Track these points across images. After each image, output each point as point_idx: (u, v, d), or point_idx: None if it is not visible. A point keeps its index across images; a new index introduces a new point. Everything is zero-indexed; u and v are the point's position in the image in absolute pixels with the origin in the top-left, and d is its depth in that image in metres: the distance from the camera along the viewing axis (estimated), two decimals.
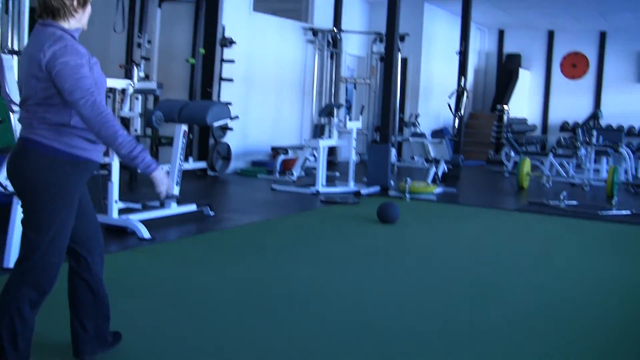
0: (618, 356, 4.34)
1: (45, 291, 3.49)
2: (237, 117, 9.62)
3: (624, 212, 10.23)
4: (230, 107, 11.79)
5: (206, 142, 12.51)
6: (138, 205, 7.80)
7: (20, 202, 3.55)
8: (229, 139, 12.68)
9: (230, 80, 12.54)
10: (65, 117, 3.39)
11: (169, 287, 5.39)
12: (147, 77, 11.47)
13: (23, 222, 3.50)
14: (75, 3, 3.43)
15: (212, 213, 8.42)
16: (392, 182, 11.76)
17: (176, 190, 8.04)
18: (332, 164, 15.10)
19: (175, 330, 4.39)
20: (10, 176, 3.50)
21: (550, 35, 21.29)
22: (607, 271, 6.67)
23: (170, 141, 8.23)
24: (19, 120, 3.53)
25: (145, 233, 7.02)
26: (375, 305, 5.17)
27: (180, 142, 8.05)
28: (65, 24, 3.43)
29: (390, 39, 11.84)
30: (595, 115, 15.09)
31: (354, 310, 4.99)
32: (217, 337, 4.30)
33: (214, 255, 6.55)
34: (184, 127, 8.07)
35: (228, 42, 12.43)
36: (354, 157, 11.47)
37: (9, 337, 3.40)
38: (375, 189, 11.26)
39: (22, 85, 3.47)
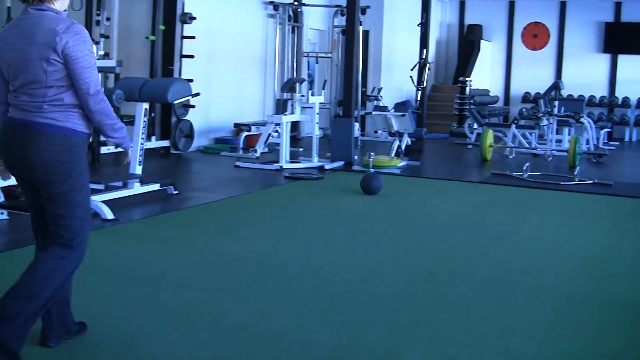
0: (573, 322, 4.40)
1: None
2: (198, 94, 9.54)
3: (586, 181, 10.33)
4: (191, 84, 11.77)
5: (168, 120, 12.40)
6: (100, 186, 7.74)
7: (48, 195, 3.52)
8: (192, 116, 12.60)
9: (191, 56, 12.43)
10: (76, 99, 3.47)
11: (134, 267, 5.37)
12: (106, 55, 11.34)
13: (48, 205, 3.53)
14: None
15: (175, 192, 8.38)
16: (355, 157, 11.79)
17: (139, 170, 7.99)
18: (295, 140, 15.06)
19: (142, 310, 4.38)
20: (28, 160, 3.47)
21: (511, 5, 21.32)
22: (567, 240, 6.76)
23: (132, 120, 8.14)
24: (17, 103, 3.49)
25: (109, 214, 6.97)
26: (339, 277, 5.20)
27: (141, 121, 8.00)
28: (58, 6, 3.48)
29: (351, 12, 11.82)
30: (556, 86, 15.15)
31: (320, 285, 5.01)
32: (185, 316, 4.29)
33: (179, 234, 6.53)
34: (145, 106, 8.01)
35: (188, 18, 12.31)
36: (317, 132, 11.47)
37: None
38: (339, 163, 11.28)
39: (15, 69, 3.45)
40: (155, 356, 3.71)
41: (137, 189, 7.95)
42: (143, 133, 8.01)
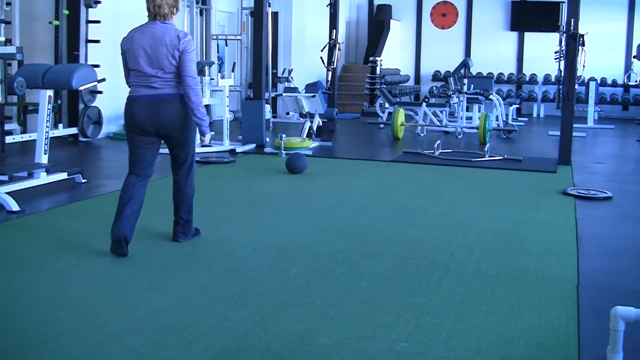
0: (486, 297, 4.43)
1: None
2: (104, 79, 9.34)
3: (496, 157, 10.46)
4: (98, 69, 11.51)
5: (76, 107, 12.11)
6: (4, 177, 7.50)
7: (176, 142, 5.48)
8: (100, 102, 12.33)
9: (97, 41, 12.15)
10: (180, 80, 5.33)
11: (39, 260, 5.21)
12: (8, 42, 11.01)
13: (180, 152, 5.59)
14: (175, 11, 5.43)
15: (84, 180, 8.19)
16: (267, 139, 11.72)
17: (45, 159, 7.79)
18: (209, 124, 14.88)
19: (49, 305, 4.25)
20: (170, 120, 5.33)
21: None
22: (479, 216, 6.84)
23: (37, 108, 7.93)
24: (148, 84, 5.31)
25: (14, 206, 6.75)
26: (252, 262, 5.14)
27: (45, 109, 7.78)
28: (174, 22, 5.45)
29: None
30: (465, 64, 15.31)
31: (233, 270, 4.94)
32: (94, 309, 4.18)
33: (87, 225, 6.36)
34: (49, 93, 7.79)
35: (93, 2, 12.01)
36: (227, 115, 11.35)
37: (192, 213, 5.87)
38: (250, 146, 11.20)
39: (144, 59, 5.30)
40: (64, 351, 3.59)
41: (43, 178, 7.74)
42: (48, 121, 7.79)
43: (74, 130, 11.98)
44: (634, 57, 16.86)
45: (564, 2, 10.63)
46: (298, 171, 8.99)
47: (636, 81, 17.76)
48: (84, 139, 12.06)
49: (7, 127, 11.21)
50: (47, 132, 7.81)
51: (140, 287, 4.61)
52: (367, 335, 3.83)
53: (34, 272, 4.93)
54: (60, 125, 11.82)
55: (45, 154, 7.81)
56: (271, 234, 6.05)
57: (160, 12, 5.35)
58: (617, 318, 3.37)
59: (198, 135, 5.66)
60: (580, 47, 10.55)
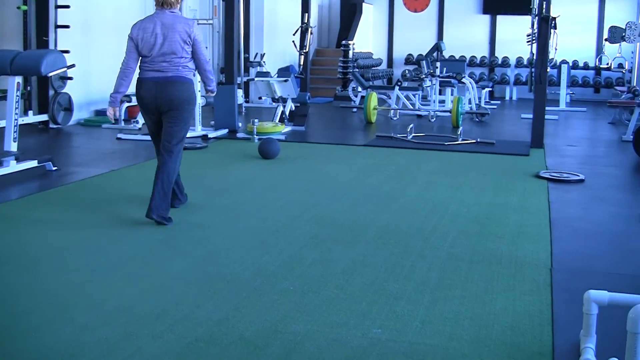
0: (460, 282, 4.42)
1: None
2: (73, 65, 9.25)
3: (469, 141, 10.47)
4: (68, 55, 11.38)
5: (46, 93, 11.98)
6: None
7: (172, 115, 5.88)
8: (70, 88, 12.21)
9: (67, 27, 12.01)
10: (192, 64, 6.01)
11: (8, 251, 5.15)
12: None
13: (172, 126, 5.90)
14: (179, 1, 5.94)
15: (54, 168, 8.10)
16: (240, 124, 11.66)
17: (14, 147, 7.69)
18: None
19: (19, 296, 4.21)
20: (169, 98, 5.82)
21: None
22: (452, 200, 6.85)
23: (5, 95, 7.83)
24: (155, 68, 5.85)
25: None
26: (224, 249, 5.11)
27: (14, 96, 7.68)
28: (179, 9, 6.06)
29: None
30: (437, 47, 15.31)
31: (206, 258, 4.91)
32: (65, 300, 4.13)
33: (57, 213, 6.28)
34: (18, 79, 7.69)
35: None
36: (199, 101, 11.26)
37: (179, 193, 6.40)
38: (223, 131, 11.14)
39: (156, 45, 5.82)
40: (36, 343, 3.54)
41: (12, 166, 7.63)
42: (17, 108, 7.69)
43: (44, 117, 11.85)
44: (605, 39, 16.92)
45: None
46: (271, 156, 8.94)
47: (607, 64, 17.83)
48: (55, 126, 11.93)
49: None
50: (16, 120, 7.71)
51: (112, 277, 4.56)
52: (341, 322, 3.81)
53: (1, 263, 4.86)
54: (30, 112, 11.69)
55: (14, 141, 7.71)
56: (244, 220, 6.02)
57: (168, 1, 5.87)
58: (590, 302, 3.37)
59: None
60: (552, 30, 10.55)
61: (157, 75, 5.83)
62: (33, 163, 7.90)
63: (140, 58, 5.95)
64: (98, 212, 6.25)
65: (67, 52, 11.57)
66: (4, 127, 7.96)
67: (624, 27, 15.49)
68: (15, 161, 7.68)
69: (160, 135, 5.99)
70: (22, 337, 3.62)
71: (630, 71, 18.09)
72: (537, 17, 10.62)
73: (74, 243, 5.33)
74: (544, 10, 10.08)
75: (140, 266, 4.79)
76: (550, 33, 10.40)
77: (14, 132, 7.71)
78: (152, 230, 5.65)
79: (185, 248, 5.20)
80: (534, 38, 11.39)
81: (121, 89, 6.05)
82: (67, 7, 11.95)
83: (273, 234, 5.59)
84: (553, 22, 10.45)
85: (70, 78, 12.02)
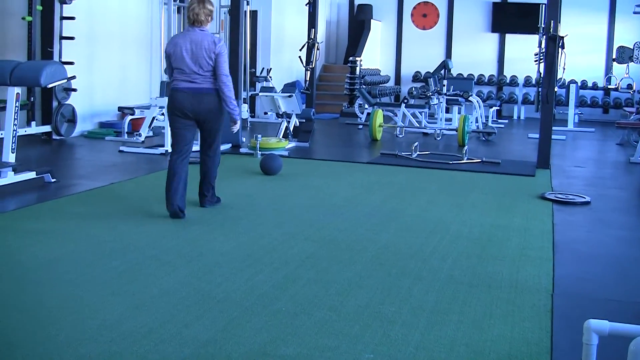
0: (457, 306, 4.30)
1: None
2: (74, 77, 9.16)
3: (474, 160, 10.36)
4: (72, 66, 11.34)
5: (49, 104, 11.92)
6: None
7: (209, 127, 6.68)
8: (74, 100, 12.16)
9: (72, 38, 11.97)
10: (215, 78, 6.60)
11: (8, 260, 5.08)
12: None
13: (210, 137, 6.76)
14: (209, 19, 6.64)
15: (53, 180, 8.01)
16: (243, 139, 11.57)
17: (12, 158, 7.61)
18: None
19: (3, 310, 4.08)
20: (208, 109, 6.55)
21: None
22: (454, 221, 6.72)
23: (5, 105, 7.75)
24: (189, 79, 6.53)
25: None
26: (218, 266, 4.98)
27: (13, 107, 7.61)
28: (208, 28, 6.69)
29: None
30: (444, 65, 15.22)
31: (198, 275, 4.79)
32: (51, 315, 4.01)
33: (52, 225, 6.17)
34: (17, 90, 7.61)
35: None
36: None
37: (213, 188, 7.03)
38: (226, 146, 11.03)
39: (187, 60, 6.50)
40: (15, 359, 3.43)
41: (10, 177, 7.55)
42: (15, 119, 7.62)
43: (47, 128, 11.79)
44: (613, 60, 16.81)
45: (545, 3, 10.51)
46: (272, 172, 8.84)
47: (615, 84, 17.71)
48: (58, 137, 11.87)
49: None
50: (15, 131, 7.63)
51: (101, 292, 4.45)
52: (332, 346, 3.68)
53: None
54: (34, 123, 11.63)
55: (12, 152, 7.63)
56: (240, 237, 5.90)
57: (198, 19, 6.57)
58: (590, 332, 3.23)
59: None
60: (560, 50, 10.45)
61: (192, 86, 6.53)
62: (31, 174, 7.81)
63: (174, 71, 6.62)
64: (92, 226, 6.15)
65: (71, 63, 11.54)
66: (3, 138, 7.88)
67: (632, 48, 15.38)
68: (13, 172, 7.59)
69: (187, 137, 6.65)
70: (3, 351, 3.51)
71: None
72: (544, 36, 10.51)
73: (64, 256, 5.23)
74: (551, 29, 9.97)
75: (130, 282, 4.68)
76: (558, 52, 10.29)
77: (13, 143, 7.63)
78: (144, 245, 5.54)
79: (177, 264, 5.08)
80: (541, 57, 11.28)
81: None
82: (73, 18, 11.92)
83: (269, 252, 5.47)
84: (561, 41, 10.34)
85: (74, 89, 11.97)
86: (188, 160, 6.68)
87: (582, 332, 3.30)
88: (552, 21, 9.99)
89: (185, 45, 6.52)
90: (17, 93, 7.61)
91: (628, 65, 16.15)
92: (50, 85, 7.93)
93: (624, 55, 15.69)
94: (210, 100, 6.54)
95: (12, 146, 7.62)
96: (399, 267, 5.14)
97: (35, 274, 4.81)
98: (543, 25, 11.25)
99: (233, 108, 6.67)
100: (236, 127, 6.91)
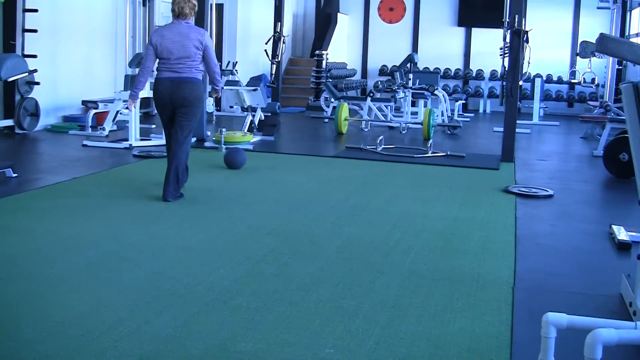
0: (419, 301, 4.30)
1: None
2: (35, 70, 9.06)
3: (439, 153, 10.38)
4: (35, 60, 11.22)
5: (12, 98, 11.77)
6: None
7: (184, 111, 6.94)
8: (37, 93, 12.01)
9: (35, 31, 11.82)
10: (202, 66, 7.08)
11: None
12: None
13: (183, 120, 6.97)
14: (193, 12, 7.05)
15: (14, 174, 7.92)
16: (209, 133, 11.52)
17: None
18: (149, 116, 14.68)
19: None
20: (183, 96, 6.90)
21: None
22: (418, 214, 6.73)
23: None
24: (172, 69, 6.91)
25: None
26: (179, 262, 4.95)
27: None
28: (192, 21, 7.16)
29: None
30: (410, 59, 15.24)
31: (160, 271, 4.75)
32: (9, 312, 3.98)
33: (11, 221, 6.10)
34: None
35: None
36: None
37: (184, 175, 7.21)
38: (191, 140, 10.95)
39: (174, 50, 6.89)
40: None
41: None
42: None
43: (9, 122, 11.65)
44: (577, 54, 16.93)
45: None
46: (236, 166, 8.81)
47: (579, 79, 17.85)
48: (20, 132, 11.73)
49: None
50: None
51: (61, 289, 4.41)
52: (293, 341, 3.67)
53: None
54: None
55: None
56: (203, 232, 5.86)
57: (183, 12, 6.98)
58: (549, 325, 3.25)
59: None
60: (524, 44, 10.49)
61: (173, 75, 6.94)
62: None
63: (158, 61, 7.08)
64: (53, 221, 6.09)
65: (34, 56, 11.41)
66: None
67: (594, 42, 15.50)
68: None
69: (170, 123, 7.07)
70: None
71: (604, 86, 18.10)
72: (509, 31, 10.55)
73: (25, 252, 5.16)
74: (515, 23, 10.01)
75: (91, 278, 4.63)
76: (523, 47, 10.33)
77: None
78: (106, 241, 5.49)
79: (139, 260, 5.04)
80: (506, 52, 11.33)
81: (140, 85, 7.27)
82: (35, 10, 11.77)
83: (231, 246, 5.45)
84: (525, 35, 10.38)
85: (37, 83, 11.82)
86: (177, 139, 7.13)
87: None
88: (517, 15, 10.03)
89: (172, 37, 6.95)
90: None
91: (590, 60, 16.28)
92: (10, 79, 7.85)
93: (587, 50, 15.81)
94: (188, 87, 6.93)
95: None
96: (362, 261, 5.14)
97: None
98: (508, 20, 11.29)
99: (219, 85, 7.41)
100: (217, 95, 7.69)
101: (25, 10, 11.76)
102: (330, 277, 4.76)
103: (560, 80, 19.63)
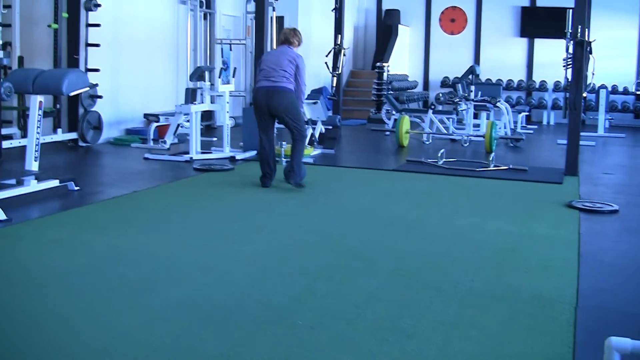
0: (477, 320, 4.20)
1: None
2: (96, 84, 9.15)
3: (501, 167, 10.24)
4: (97, 73, 11.37)
5: (76, 111, 11.95)
6: None
7: (282, 117, 8.33)
8: (101, 107, 12.16)
9: (97, 45, 12.00)
10: (294, 79, 8.42)
11: (13, 271, 5.03)
12: (8, 45, 10.88)
13: (289, 122, 8.37)
14: (296, 42, 8.60)
15: (77, 187, 8.00)
16: None
17: (35, 166, 7.60)
18: (210, 129, 14.76)
19: (17, 320, 4.06)
20: (279, 103, 8.26)
21: None
22: (478, 230, 6.61)
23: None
24: (272, 78, 8.30)
25: (1, 214, 6.55)
26: (235, 276, 4.91)
27: (36, 115, 7.60)
28: (295, 47, 8.62)
29: None
30: (472, 71, 15.07)
31: (214, 286, 4.72)
32: (62, 326, 3.97)
33: (71, 234, 6.14)
34: (40, 98, 7.60)
35: (93, 5, 11.87)
36: (227, 122, 11.13)
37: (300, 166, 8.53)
38: (251, 153, 10.98)
39: (274, 65, 8.31)
40: None
41: (33, 186, 7.54)
42: (38, 127, 7.61)
43: (73, 135, 11.81)
44: None
45: (572, 8, 10.34)
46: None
47: None
48: (84, 144, 11.88)
49: (7, 131, 11.07)
50: (37, 139, 7.62)
51: (115, 304, 4.40)
52: None
53: (15, 283, 4.75)
54: (60, 130, 11.65)
55: (35, 160, 7.62)
56: (258, 247, 5.83)
57: (288, 40, 8.55)
58: (612, 350, 3.13)
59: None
60: (589, 55, 10.30)
61: (268, 84, 8.30)
62: (55, 182, 7.80)
63: (260, 72, 8.50)
64: (110, 235, 6.12)
65: (97, 70, 11.59)
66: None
67: None
68: (36, 180, 7.58)
69: (267, 126, 8.49)
70: None
71: None
72: (571, 42, 10.37)
73: (82, 266, 5.19)
74: (578, 34, 9.83)
75: (145, 293, 4.62)
76: (586, 58, 10.14)
77: (36, 151, 7.62)
78: (163, 254, 5.50)
79: (193, 275, 5.02)
80: (569, 63, 11.13)
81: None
82: (98, 25, 11.95)
83: (286, 262, 5.41)
84: (589, 46, 10.19)
85: (100, 96, 11.98)
86: (273, 139, 8.69)
87: None
88: (580, 26, 9.85)
89: (273, 53, 8.73)
90: (40, 101, 7.60)
91: None
92: (72, 94, 7.92)
93: None
94: (280, 96, 8.25)
95: (35, 154, 7.61)
96: (420, 279, 5.05)
97: (52, 284, 4.77)
98: (570, 31, 11.10)
99: (302, 100, 8.61)
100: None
101: (88, 25, 11.96)
102: (387, 295, 4.68)
103: (626, 91, 19.25)
